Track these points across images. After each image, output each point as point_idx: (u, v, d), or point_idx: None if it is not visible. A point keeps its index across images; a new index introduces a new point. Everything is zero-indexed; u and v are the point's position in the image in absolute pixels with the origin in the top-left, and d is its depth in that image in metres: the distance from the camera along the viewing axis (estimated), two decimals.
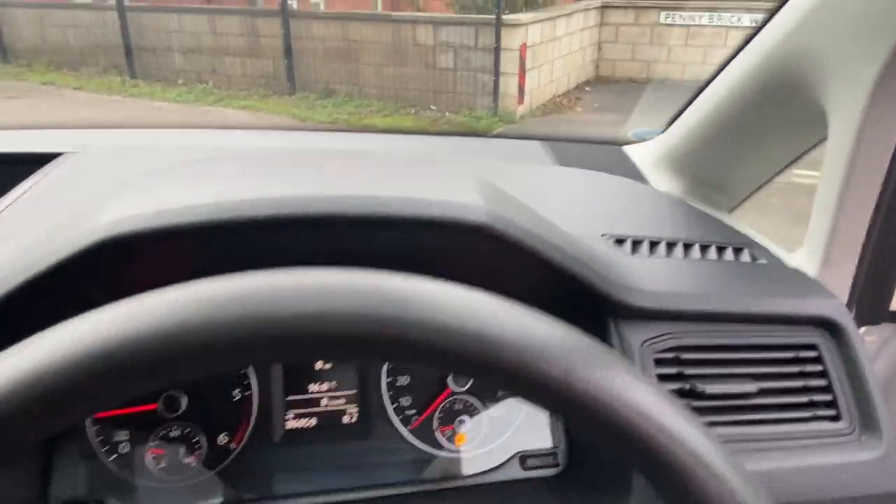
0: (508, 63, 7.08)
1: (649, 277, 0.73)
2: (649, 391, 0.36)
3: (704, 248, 0.82)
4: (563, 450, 0.78)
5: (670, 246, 0.81)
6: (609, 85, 8.68)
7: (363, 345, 0.33)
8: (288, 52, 7.83)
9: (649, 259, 0.78)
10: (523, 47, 7.04)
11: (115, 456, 0.72)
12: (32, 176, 0.88)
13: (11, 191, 0.84)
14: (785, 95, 0.85)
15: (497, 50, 7.02)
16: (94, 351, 0.31)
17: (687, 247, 0.81)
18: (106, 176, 0.85)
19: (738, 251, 0.83)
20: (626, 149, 1.18)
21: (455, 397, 0.79)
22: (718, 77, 0.96)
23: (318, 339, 0.33)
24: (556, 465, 0.78)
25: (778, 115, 0.88)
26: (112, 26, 8.34)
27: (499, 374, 0.35)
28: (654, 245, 0.80)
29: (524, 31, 7.07)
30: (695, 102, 1.03)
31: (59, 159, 0.94)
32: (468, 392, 0.80)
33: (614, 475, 0.69)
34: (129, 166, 0.89)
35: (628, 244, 0.79)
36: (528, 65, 7.15)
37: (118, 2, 8.26)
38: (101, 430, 0.73)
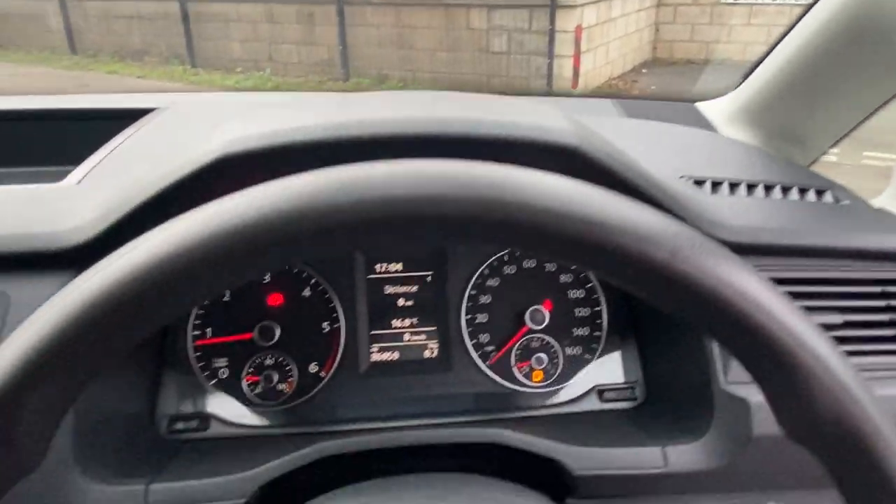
0: (563, 45, 6.99)
1: (732, 213, 0.73)
2: (753, 276, 0.37)
3: (786, 190, 0.81)
4: (641, 384, 0.80)
5: (750, 187, 0.81)
6: (666, 66, 8.48)
7: (481, 227, 0.35)
8: (342, 38, 7.92)
9: (730, 198, 0.78)
10: (578, 29, 6.94)
11: (214, 381, 0.77)
12: (131, 126, 0.94)
13: (115, 137, 0.89)
14: (871, 37, 0.83)
15: (552, 32, 6.94)
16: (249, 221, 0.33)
17: (768, 188, 0.81)
18: (200, 122, 0.90)
19: (820, 193, 0.82)
20: (699, 105, 1.17)
21: (532, 335, 0.81)
22: (797, 26, 0.95)
23: (432, 219, 0.34)
24: (634, 399, 0.79)
25: (862, 58, 0.87)
26: (174, 16, 8.58)
27: (602, 257, 0.35)
28: (733, 186, 0.81)
29: (579, 13, 6.97)
30: (771, 54, 1.01)
31: (153, 113, 1.00)
32: (544, 331, 0.82)
33: (694, 407, 0.70)
34: (220, 115, 0.94)
35: (707, 185, 0.80)
36: (583, 47, 7.05)
37: None
38: (202, 357, 0.78)
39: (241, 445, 0.72)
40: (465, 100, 0.70)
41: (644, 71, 8.43)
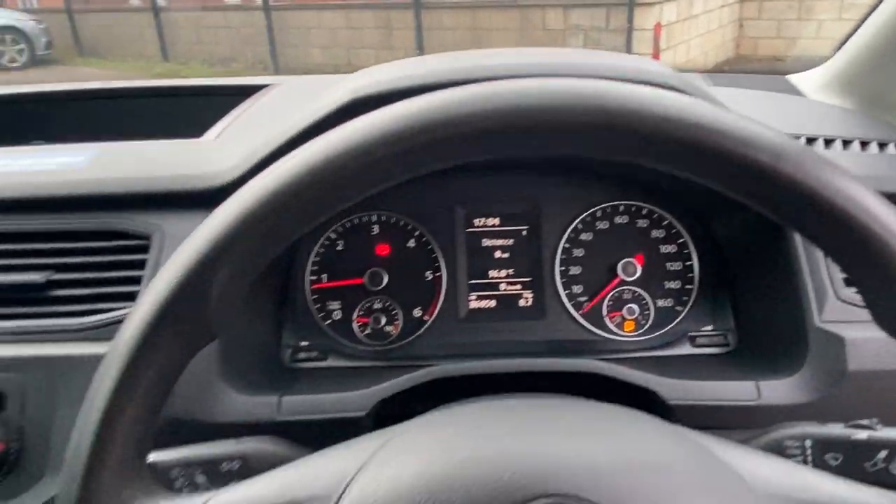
0: (641, 44, 6.90)
1: None
2: (852, 178, 0.39)
3: (882, 146, 0.82)
4: (734, 331, 0.82)
5: (846, 143, 0.82)
6: (751, 64, 8.23)
7: (590, 134, 0.39)
8: (419, 41, 8.08)
9: (825, 151, 0.79)
10: (658, 27, 6.83)
11: (329, 322, 0.85)
12: (251, 98, 1.04)
13: (238, 106, 0.99)
14: None
15: (629, 30, 6.87)
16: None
17: (864, 144, 0.82)
18: (318, 90, 0.98)
19: None
20: (791, 77, 1.18)
21: (624, 287, 0.85)
22: None
23: (554, 127, 0.38)
24: (727, 345, 0.82)
25: None
26: (258, 25, 8.98)
27: (709, 160, 0.39)
28: (828, 142, 0.82)
29: (658, 10, 6.86)
30: (865, 23, 1.01)
31: (268, 87, 1.09)
32: (636, 283, 0.85)
33: (787, 347, 0.72)
34: (329, 87, 1.02)
35: (802, 141, 0.81)
36: (662, 45, 6.93)
37: (264, 2, 8.88)
38: (318, 300, 0.85)
39: (357, 373, 0.79)
40: (567, 51, 0.75)
41: (726, 69, 8.20)
